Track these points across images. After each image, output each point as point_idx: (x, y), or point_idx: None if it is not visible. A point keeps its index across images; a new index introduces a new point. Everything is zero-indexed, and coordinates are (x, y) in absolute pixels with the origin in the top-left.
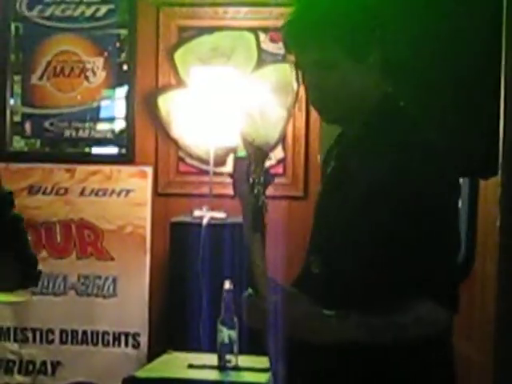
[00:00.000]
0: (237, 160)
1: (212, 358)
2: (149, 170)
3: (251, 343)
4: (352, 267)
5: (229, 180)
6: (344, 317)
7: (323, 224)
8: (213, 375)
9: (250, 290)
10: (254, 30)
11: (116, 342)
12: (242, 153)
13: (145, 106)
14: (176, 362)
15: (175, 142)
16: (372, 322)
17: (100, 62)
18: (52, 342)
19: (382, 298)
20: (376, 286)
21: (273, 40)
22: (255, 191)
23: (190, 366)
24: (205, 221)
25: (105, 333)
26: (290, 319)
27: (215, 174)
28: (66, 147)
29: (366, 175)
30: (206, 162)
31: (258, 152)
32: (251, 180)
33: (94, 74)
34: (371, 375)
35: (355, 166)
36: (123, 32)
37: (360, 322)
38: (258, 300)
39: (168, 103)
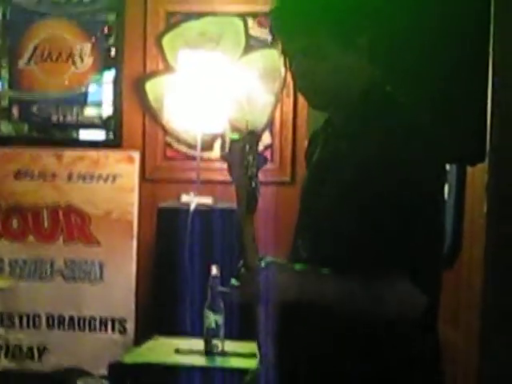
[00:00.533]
0: (231, 143)
1: (199, 343)
2: (136, 155)
3: (239, 328)
4: (338, 251)
5: (216, 165)
6: (327, 278)
7: (310, 209)
8: (199, 360)
9: (233, 281)
10: (242, 16)
11: (103, 328)
12: (235, 136)
13: (132, 91)
14: (163, 348)
15: (163, 127)
16: (352, 289)
17: (87, 46)
18: (39, 327)
19: (366, 278)
20: (362, 269)
21: (261, 25)
22: (249, 173)
23: (177, 351)
24: (192, 206)
25: (91, 318)
26: (278, 283)
27: (202, 159)
28: (54, 132)
29: (353, 161)
30: (194, 148)
31: (251, 135)
32: (245, 162)
33: (82, 59)
34: (353, 351)
35: (342, 152)
36: (111, 17)
37: (341, 284)
38: (248, 275)
39: (156, 88)
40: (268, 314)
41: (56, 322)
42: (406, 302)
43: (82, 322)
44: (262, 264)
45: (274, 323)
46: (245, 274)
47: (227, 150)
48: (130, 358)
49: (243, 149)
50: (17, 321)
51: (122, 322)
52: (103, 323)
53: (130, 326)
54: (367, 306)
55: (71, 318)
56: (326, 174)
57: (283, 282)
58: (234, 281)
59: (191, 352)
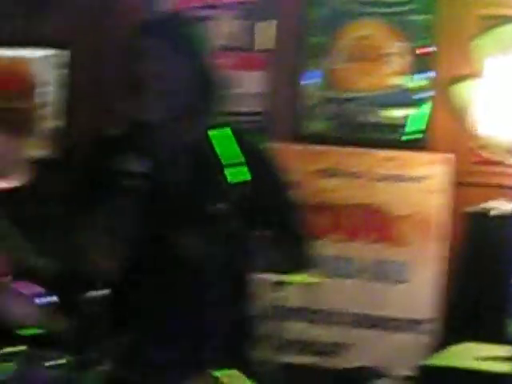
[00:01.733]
0: None
1: (506, 350)
2: (448, 157)
3: None
4: None
5: None
6: None
7: None
8: (503, 367)
9: None
10: None
11: (406, 329)
12: None
13: (443, 94)
14: (470, 352)
15: (475, 131)
16: None
17: (401, 47)
18: (340, 324)
19: None
20: None
21: None
22: None
23: (481, 358)
24: (502, 212)
25: (395, 319)
26: None
27: None
28: (363, 132)
29: None
30: (507, 153)
31: None
32: None
33: (395, 59)
34: None
35: None
36: (424, 18)
37: None
38: None
39: (467, 92)
40: None
41: (359, 320)
42: None
43: (384, 321)
44: None
45: None
46: None
47: None
48: (438, 361)
49: None
50: (319, 317)
51: (426, 323)
52: (407, 324)
53: (434, 329)
54: None
55: (374, 318)
56: None
57: None
58: None
59: (496, 358)
